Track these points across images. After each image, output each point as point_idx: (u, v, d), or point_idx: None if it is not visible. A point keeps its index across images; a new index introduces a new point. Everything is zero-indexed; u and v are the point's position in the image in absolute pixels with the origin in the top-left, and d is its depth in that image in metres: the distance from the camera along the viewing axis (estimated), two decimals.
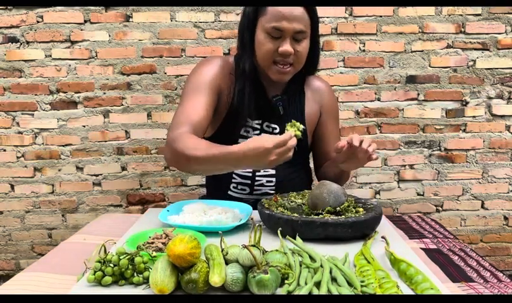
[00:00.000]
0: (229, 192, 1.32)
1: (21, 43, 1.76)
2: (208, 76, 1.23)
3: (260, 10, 1.18)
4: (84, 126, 1.83)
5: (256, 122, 1.29)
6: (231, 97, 1.26)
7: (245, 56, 1.23)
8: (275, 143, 0.95)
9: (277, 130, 1.29)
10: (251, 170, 1.31)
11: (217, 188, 1.35)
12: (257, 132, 1.30)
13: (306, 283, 0.70)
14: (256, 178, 1.30)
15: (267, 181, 1.30)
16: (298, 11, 1.15)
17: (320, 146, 1.40)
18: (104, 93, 1.81)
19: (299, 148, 1.35)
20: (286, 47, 1.15)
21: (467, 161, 1.91)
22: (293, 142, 0.97)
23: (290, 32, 1.15)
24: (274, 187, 1.30)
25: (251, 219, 0.86)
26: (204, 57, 1.80)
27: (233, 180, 1.31)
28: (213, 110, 1.24)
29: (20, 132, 1.82)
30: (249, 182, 1.30)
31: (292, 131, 1.00)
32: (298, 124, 1.03)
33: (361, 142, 1.08)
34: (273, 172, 1.31)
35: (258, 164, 0.99)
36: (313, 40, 1.24)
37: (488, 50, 1.82)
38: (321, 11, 1.79)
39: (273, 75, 1.21)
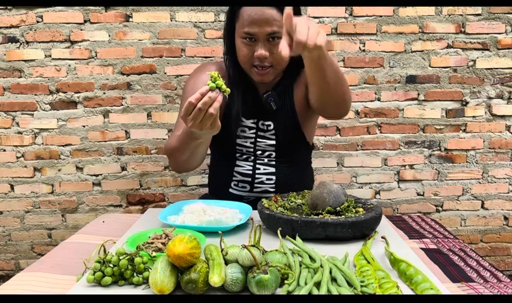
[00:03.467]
0: (230, 190, 1.34)
1: (20, 43, 1.76)
2: (202, 81, 1.24)
3: (234, 15, 1.20)
4: (84, 126, 1.83)
5: (251, 121, 1.31)
6: (226, 101, 1.27)
7: (230, 62, 1.27)
8: (184, 112, 0.93)
9: (271, 127, 1.31)
10: (251, 169, 1.32)
11: (219, 186, 1.38)
12: (253, 130, 1.31)
13: (306, 283, 0.70)
14: (256, 176, 1.32)
15: (267, 179, 1.32)
16: (269, 12, 1.13)
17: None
18: (104, 93, 1.81)
19: (297, 146, 1.36)
20: (260, 51, 1.16)
21: (467, 161, 1.91)
22: (206, 100, 0.90)
23: (262, 36, 1.15)
24: (273, 185, 1.31)
25: (251, 219, 0.86)
26: (204, 57, 1.80)
27: (234, 178, 1.33)
28: None
29: (20, 132, 1.82)
30: (249, 179, 1.32)
31: (205, 87, 0.91)
32: (214, 73, 0.92)
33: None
34: (273, 170, 1.32)
35: (192, 130, 0.97)
36: None
37: (488, 50, 1.82)
38: (321, 11, 1.80)
39: (255, 77, 1.23)
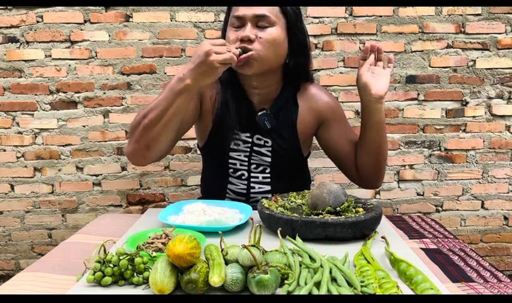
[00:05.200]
0: None
1: (21, 43, 1.76)
2: None
3: (230, 8, 1.18)
4: (84, 126, 1.83)
5: (246, 134, 1.26)
6: (216, 106, 1.24)
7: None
8: (211, 42, 1.03)
9: (269, 144, 1.25)
10: (245, 188, 1.28)
11: None
12: (248, 145, 1.26)
13: (306, 283, 0.70)
14: (251, 195, 1.28)
15: (263, 198, 1.26)
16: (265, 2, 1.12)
17: (338, 152, 1.31)
18: (104, 93, 1.81)
19: (292, 161, 1.31)
20: (245, 32, 1.10)
21: (467, 161, 1.91)
22: (232, 49, 1.04)
23: (249, 17, 1.11)
24: None
25: (251, 219, 0.86)
26: None
27: (227, 196, 1.30)
28: (191, 112, 1.22)
29: (20, 132, 1.82)
30: (243, 198, 1.28)
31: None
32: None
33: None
34: (268, 187, 1.28)
35: (195, 61, 1.01)
36: (296, 43, 1.19)
37: (488, 50, 1.82)
38: (321, 11, 1.80)
39: (237, 67, 1.12)
